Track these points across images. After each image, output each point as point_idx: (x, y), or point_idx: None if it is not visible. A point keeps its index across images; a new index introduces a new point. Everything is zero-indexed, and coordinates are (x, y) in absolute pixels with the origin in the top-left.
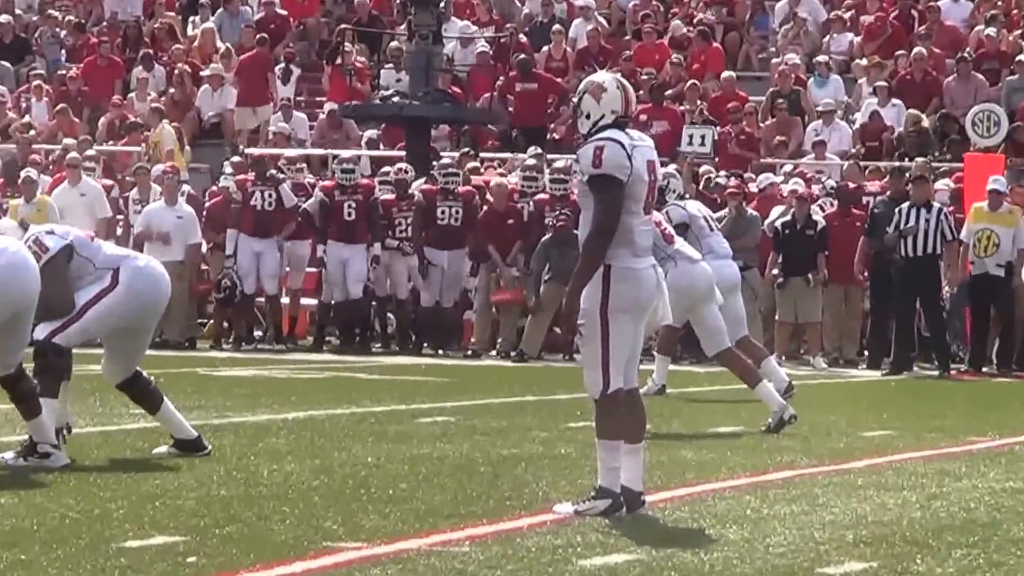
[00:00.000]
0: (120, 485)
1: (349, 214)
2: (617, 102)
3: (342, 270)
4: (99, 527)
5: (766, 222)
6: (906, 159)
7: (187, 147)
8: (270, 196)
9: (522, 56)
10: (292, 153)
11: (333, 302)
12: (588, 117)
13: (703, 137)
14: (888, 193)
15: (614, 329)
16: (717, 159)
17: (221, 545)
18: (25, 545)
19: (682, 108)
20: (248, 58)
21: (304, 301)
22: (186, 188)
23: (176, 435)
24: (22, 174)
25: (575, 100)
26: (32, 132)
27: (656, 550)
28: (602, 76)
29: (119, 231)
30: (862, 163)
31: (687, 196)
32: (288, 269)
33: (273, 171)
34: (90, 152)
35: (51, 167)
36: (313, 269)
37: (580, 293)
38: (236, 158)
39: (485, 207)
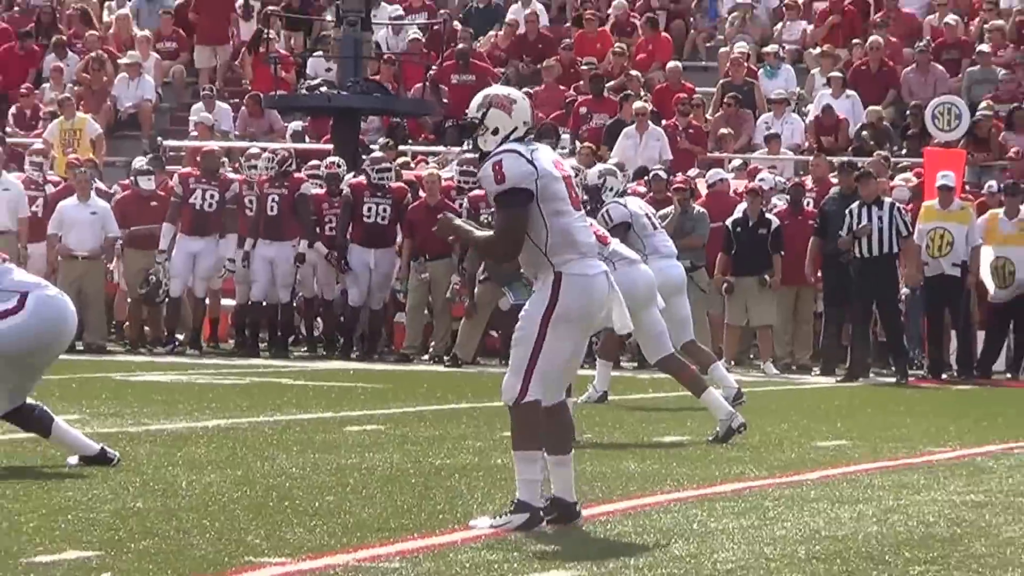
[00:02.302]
0: (30, 497)
1: (272, 208)
2: (527, 113)
3: (268, 270)
4: (7, 541)
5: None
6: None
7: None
8: (212, 196)
9: (460, 47)
10: (214, 145)
11: (253, 302)
12: (496, 132)
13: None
14: (839, 190)
15: (551, 339)
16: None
17: (137, 560)
18: None
19: (623, 97)
20: None
21: (225, 302)
22: (97, 183)
23: (78, 454)
24: None
25: (476, 115)
26: None
27: (597, 565)
28: (505, 88)
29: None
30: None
31: (627, 193)
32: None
33: (225, 170)
34: None
35: None
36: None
37: (465, 241)
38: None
39: (416, 202)
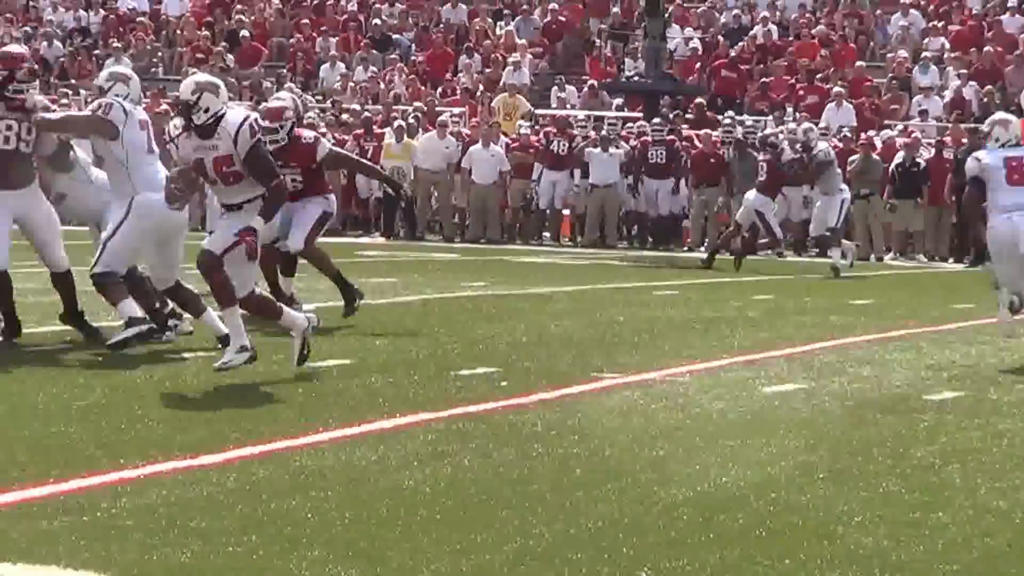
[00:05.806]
0: (456, 334)
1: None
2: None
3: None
4: (443, 361)
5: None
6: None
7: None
8: (563, 145)
9: (731, 57)
10: (564, 113)
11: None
12: None
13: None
14: (968, 144)
15: None
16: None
17: (523, 374)
18: (394, 372)
19: (828, 86)
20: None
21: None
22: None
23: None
24: (394, 124)
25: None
26: (392, 97)
27: (815, 382)
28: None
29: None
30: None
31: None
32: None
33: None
34: (444, 117)
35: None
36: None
37: None
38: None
39: (694, 150)
